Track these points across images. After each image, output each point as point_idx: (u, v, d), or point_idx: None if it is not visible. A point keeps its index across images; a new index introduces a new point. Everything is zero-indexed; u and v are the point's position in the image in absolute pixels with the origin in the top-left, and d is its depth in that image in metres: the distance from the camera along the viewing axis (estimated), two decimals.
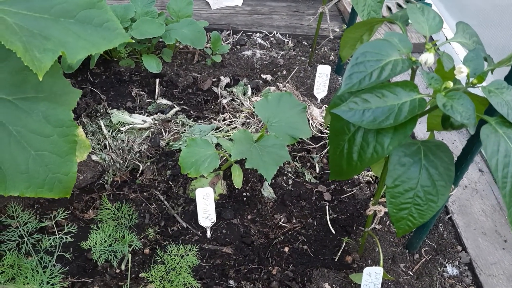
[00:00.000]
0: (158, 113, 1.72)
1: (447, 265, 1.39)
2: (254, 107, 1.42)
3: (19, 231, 1.20)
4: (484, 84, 0.86)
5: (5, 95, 0.89)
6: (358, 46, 1.14)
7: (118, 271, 1.28)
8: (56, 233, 1.25)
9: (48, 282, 1.11)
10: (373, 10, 1.52)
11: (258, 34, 2.17)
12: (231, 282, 1.30)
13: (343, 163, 0.93)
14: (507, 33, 1.80)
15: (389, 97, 0.86)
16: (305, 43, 2.17)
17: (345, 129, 0.91)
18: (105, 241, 1.21)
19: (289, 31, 2.21)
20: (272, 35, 2.18)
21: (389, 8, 2.23)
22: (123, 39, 0.92)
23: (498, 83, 0.86)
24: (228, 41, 2.12)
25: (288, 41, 2.16)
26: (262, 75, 1.94)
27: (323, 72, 1.74)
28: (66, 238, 1.25)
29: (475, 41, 0.96)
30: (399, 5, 2.25)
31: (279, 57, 2.04)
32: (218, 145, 1.59)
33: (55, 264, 1.21)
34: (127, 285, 1.22)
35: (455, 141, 1.76)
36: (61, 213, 1.26)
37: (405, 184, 0.91)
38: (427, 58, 0.89)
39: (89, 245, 1.19)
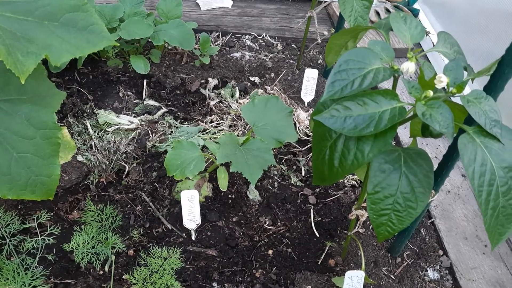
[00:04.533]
0: (145, 114, 1.72)
1: (428, 269, 1.41)
2: (241, 107, 1.42)
3: (1, 232, 1.20)
4: (464, 93, 0.88)
5: None
6: (343, 52, 1.15)
7: (101, 272, 1.28)
8: (39, 235, 1.25)
9: (29, 284, 1.11)
10: (360, 16, 1.54)
11: (247, 36, 2.18)
12: (214, 284, 1.31)
13: (325, 169, 0.94)
14: (492, 39, 1.83)
15: (370, 105, 0.87)
16: (294, 46, 2.18)
17: (327, 136, 0.93)
18: (88, 243, 1.21)
19: (278, 33, 2.22)
20: (261, 37, 2.19)
21: (377, 13, 2.25)
22: (108, 42, 0.92)
23: (477, 93, 0.88)
24: (217, 43, 2.12)
25: (277, 44, 2.17)
26: (250, 78, 1.95)
27: (311, 76, 1.75)
28: (49, 240, 1.25)
29: (456, 50, 0.98)
30: (387, 10, 2.27)
31: (267, 59, 2.05)
32: (204, 147, 1.60)
33: (37, 265, 1.21)
34: (110, 287, 1.22)
35: (439, 146, 1.78)
36: (44, 215, 1.26)
37: (385, 190, 0.92)
38: (408, 67, 0.91)
39: (72, 247, 1.19)
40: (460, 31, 2.04)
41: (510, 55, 0.86)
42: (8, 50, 0.76)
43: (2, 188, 0.90)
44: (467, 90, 0.88)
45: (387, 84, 1.86)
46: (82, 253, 1.19)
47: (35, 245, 1.22)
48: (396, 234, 1.27)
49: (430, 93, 0.88)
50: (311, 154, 1.69)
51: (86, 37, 0.89)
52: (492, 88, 0.91)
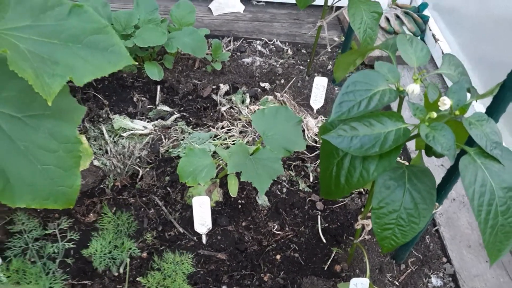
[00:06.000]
0: (159, 119, 1.77)
1: (432, 276, 1.45)
2: (251, 116, 1.47)
3: (25, 238, 1.26)
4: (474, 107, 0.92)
5: (14, 113, 0.94)
6: (351, 68, 1.19)
7: (116, 274, 1.34)
8: (59, 240, 1.32)
9: (50, 287, 1.17)
10: (369, 27, 1.58)
11: (258, 42, 2.22)
12: (224, 287, 1.36)
13: (331, 184, 0.99)
14: (503, 47, 1.85)
15: (376, 126, 0.91)
16: (304, 51, 2.22)
17: (334, 153, 0.97)
18: (105, 248, 1.27)
19: (288, 39, 2.25)
20: (272, 42, 2.23)
21: (387, 19, 2.28)
22: (127, 62, 0.97)
23: (479, 115, 0.92)
24: (228, 48, 2.16)
25: (287, 49, 2.21)
26: (260, 83, 1.99)
27: (320, 84, 1.79)
28: (69, 245, 1.31)
29: (460, 71, 1.01)
30: (397, 16, 2.30)
31: (278, 65, 2.09)
32: (215, 153, 1.65)
33: (57, 269, 1.27)
34: None
35: None
36: (65, 221, 1.32)
37: (389, 206, 0.96)
38: (414, 88, 0.94)
39: (91, 253, 1.26)
40: (470, 38, 2.06)
41: (511, 80, 0.90)
42: (36, 74, 0.81)
43: (26, 198, 0.96)
44: (475, 109, 0.92)
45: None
46: (100, 258, 1.25)
47: (56, 250, 1.28)
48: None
49: (434, 114, 0.92)
50: (319, 160, 1.73)
51: (107, 58, 0.94)
52: (494, 110, 0.95)
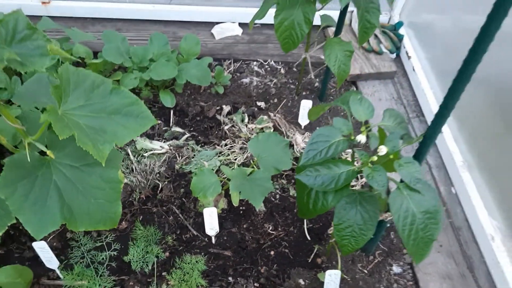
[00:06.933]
0: (173, 139, 2.14)
1: (393, 264, 1.83)
2: (248, 143, 1.83)
3: (81, 250, 1.67)
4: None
5: (74, 163, 1.31)
6: (321, 112, 1.55)
7: (146, 270, 1.74)
8: (106, 250, 1.74)
9: (99, 284, 1.59)
10: (343, 64, 1.92)
11: (255, 63, 2.56)
12: (230, 278, 1.76)
13: (304, 208, 1.36)
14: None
15: (333, 169, 1.27)
16: (295, 69, 2.56)
17: (304, 187, 1.34)
18: (140, 254, 1.68)
19: (281, 59, 2.59)
20: (266, 63, 2.57)
21: None
22: (152, 122, 1.32)
23: (407, 159, 1.27)
24: (229, 69, 2.51)
25: (280, 68, 2.55)
26: (257, 103, 2.34)
27: (306, 105, 2.14)
28: (114, 254, 1.74)
29: (399, 121, 1.36)
30: (375, 36, 2.62)
31: (272, 85, 2.44)
32: (220, 168, 2.01)
33: (105, 270, 1.69)
34: (154, 282, 1.68)
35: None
36: (110, 236, 1.73)
37: (346, 222, 1.33)
38: (361, 138, 1.30)
39: (130, 258, 1.66)
40: (439, 54, 2.34)
41: (429, 133, 1.25)
42: (93, 144, 1.18)
43: (85, 224, 1.34)
44: None
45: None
46: (136, 262, 1.66)
47: (105, 258, 1.69)
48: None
49: (375, 158, 1.28)
50: None
51: (139, 122, 1.30)
52: (420, 153, 1.31)
